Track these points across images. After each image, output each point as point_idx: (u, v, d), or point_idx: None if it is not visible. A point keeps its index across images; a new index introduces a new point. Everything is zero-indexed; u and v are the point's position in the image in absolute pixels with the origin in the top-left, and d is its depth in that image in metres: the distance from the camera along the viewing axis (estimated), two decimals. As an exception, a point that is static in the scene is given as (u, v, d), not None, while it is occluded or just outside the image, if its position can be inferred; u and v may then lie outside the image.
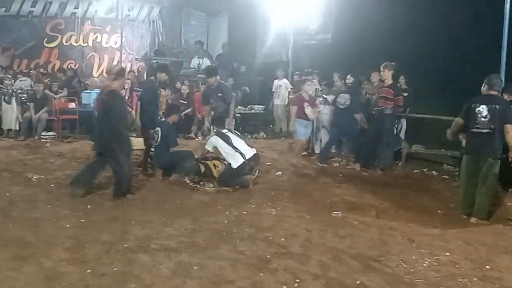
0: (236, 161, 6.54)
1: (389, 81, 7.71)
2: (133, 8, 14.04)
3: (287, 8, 11.84)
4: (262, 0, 12.19)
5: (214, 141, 6.85)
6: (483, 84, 5.66)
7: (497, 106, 5.46)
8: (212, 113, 8.20)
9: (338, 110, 8.32)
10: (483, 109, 5.48)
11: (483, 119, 5.47)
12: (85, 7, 13.39)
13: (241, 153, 6.60)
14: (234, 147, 6.66)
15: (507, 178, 6.24)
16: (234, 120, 8.42)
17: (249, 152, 6.78)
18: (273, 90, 11.58)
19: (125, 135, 5.96)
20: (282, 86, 11.28)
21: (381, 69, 7.74)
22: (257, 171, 7.02)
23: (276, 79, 11.57)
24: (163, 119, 7.44)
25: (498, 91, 5.67)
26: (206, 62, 13.19)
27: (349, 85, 8.64)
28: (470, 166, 5.63)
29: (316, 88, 9.25)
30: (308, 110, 8.37)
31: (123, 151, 5.84)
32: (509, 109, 5.56)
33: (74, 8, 13.30)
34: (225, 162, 6.78)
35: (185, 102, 11.05)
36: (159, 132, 7.00)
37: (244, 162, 6.56)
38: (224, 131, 7.00)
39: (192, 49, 14.22)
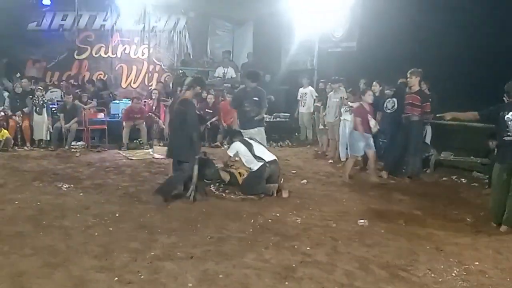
0: (256, 165, 6.60)
1: (416, 87, 7.62)
2: (160, 19, 14.26)
3: (312, 16, 11.87)
4: (286, 9, 12.25)
5: (237, 147, 6.90)
6: (506, 93, 5.53)
7: None
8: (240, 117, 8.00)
9: (386, 115, 8.29)
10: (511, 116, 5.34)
11: None
12: (114, 19, 13.66)
13: (261, 158, 6.66)
14: (254, 155, 6.69)
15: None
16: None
17: (269, 157, 6.80)
18: (298, 98, 11.55)
19: (197, 142, 6.27)
20: (307, 94, 11.24)
21: (408, 75, 7.65)
22: (281, 180, 6.99)
23: (301, 87, 11.52)
24: None
25: None
26: (231, 72, 13.33)
27: (394, 89, 8.58)
28: (502, 175, 5.46)
29: (341, 97, 9.19)
30: (372, 122, 7.73)
31: (191, 158, 6.13)
32: None
33: (103, 21, 13.60)
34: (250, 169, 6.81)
35: (211, 111, 11.16)
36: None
37: (263, 164, 6.60)
38: (247, 138, 7.04)
39: (218, 58, 14.36)
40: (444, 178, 8.14)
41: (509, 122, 5.33)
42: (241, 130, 7.59)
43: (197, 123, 6.41)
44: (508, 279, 4.07)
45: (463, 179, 7.99)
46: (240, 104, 7.77)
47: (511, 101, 5.46)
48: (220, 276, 3.95)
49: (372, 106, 7.96)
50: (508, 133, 5.35)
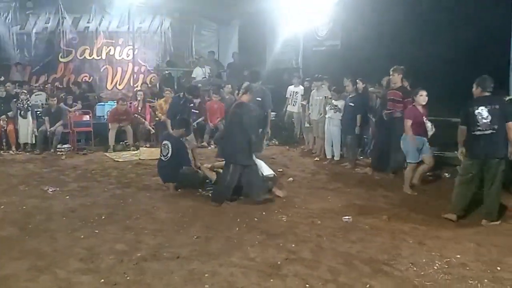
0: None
1: (398, 84, 7.71)
2: (145, 20, 14.25)
3: (296, 15, 11.93)
4: (271, 8, 12.30)
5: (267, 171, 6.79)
6: (475, 86, 5.63)
7: (497, 106, 5.44)
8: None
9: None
10: (482, 111, 5.43)
11: (484, 121, 5.42)
12: (98, 20, 13.62)
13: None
14: None
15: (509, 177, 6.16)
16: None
17: (268, 171, 6.73)
18: (287, 96, 11.35)
19: (254, 144, 6.41)
20: (298, 92, 10.96)
21: (391, 72, 7.74)
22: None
23: (290, 85, 11.29)
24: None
25: (491, 92, 5.59)
26: (207, 70, 13.27)
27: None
28: (473, 170, 5.55)
29: (325, 96, 9.25)
30: (428, 124, 7.25)
31: (248, 161, 6.33)
32: (508, 107, 5.61)
33: (87, 22, 13.56)
34: None
35: (197, 111, 11.15)
36: (169, 146, 6.92)
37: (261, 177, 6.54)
38: None
39: (204, 58, 14.36)
40: (428, 173, 8.22)
41: (479, 117, 5.43)
42: None
43: (255, 126, 6.60)
44: (489, 271, 4.16)
45: (446, 174, 8.09)
46: None
47: (480, 96, 5.57)
48: (206, 275, 4.00)
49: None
50: (478, 127, 5.44)
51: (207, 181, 6.98)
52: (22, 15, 12.93)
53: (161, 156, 7.16)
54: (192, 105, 8.50)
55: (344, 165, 8.86)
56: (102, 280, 3.86)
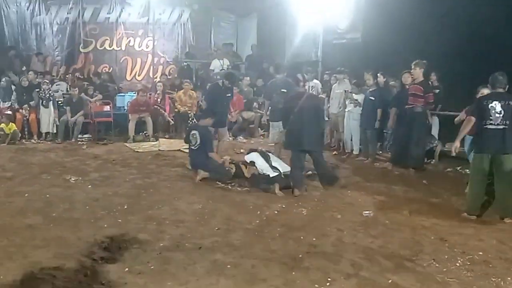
0: (271, 173, 6.56)
1: (419, 78, 7.65)
2: (164, 11, 14.23)
3: (316, 7, 11.83)
4: (290, 0, 12.23)
5: (254, 157, 6.89)
6: (489, 85, 5.66)
7: (510, 102, 5.42)
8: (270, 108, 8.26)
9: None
10: (496, 105, 5.40)
11: (497, 115, 5.39)
12: (118, 12, 13.68)
13: (276, 169, 6.63)
14: (271, 165, 6.66)
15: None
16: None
17: (285, 168, 6.73)
18: None
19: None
20: (314, 87, 10.85)
21: (412, 66, 7.69)
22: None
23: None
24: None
25: (504, 88, 5.55)
26: (226, 63, 13.28)
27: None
28: (483, 165, 5.49)
29: (345, 90, 9.19)
30: None
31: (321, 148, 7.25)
32: None
33: (107, 13, 13.61)
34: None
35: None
36: (197, 135, 7.17)
37: (279, 174, 6.56)
38: (265, 150, 7.19)
39: (222, 51, 14.36)
40: (448, 169, 8.17)
41: (492, 111, 5.41)
42: (271, 122, 7.97)
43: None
44: (512, 269, 4.14)
45: (467, 170, 7.98)
46: (270, 95, 8.03)
47: (494, 92, 5.56)
48: (229, 266, 4.03)
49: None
50: (491, 121, 5.42)
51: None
52: (44, 5, 13.04)
53: (190, 146, 7.35)
54: (229, 95, 8.52)
55: (363, 159, 8.83)
56: (127, 269, 3.90)
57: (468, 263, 4.26)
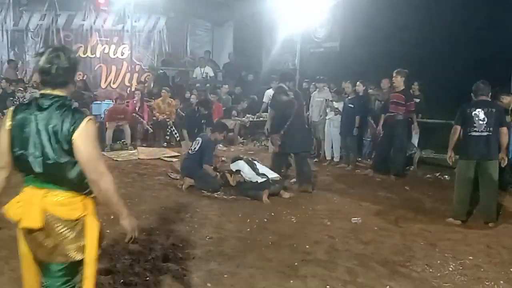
0: (259, 180, 6.53)
1: (401, 87, 7.78)
2: (140, 19, 14.14)
3: (293, 16, 11.93)
4: (267, 9, 12.29)
5: (241, 165, 6.82)
6: (472, 93, 5.76)
7: (493, 110, 5.58)
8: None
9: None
10: (479, 113, 5.55)
11: (481, 122, 5.54)
12: (93, 19, 13.50)
13: (264, 175, 6.61)
14: (258, 173, 6.63)
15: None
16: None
17: (274, 175, 6.72)
18: (264, 100, 10.99)
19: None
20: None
21: (394, 75, 7.81)
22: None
23: (268, 89, 10.63)
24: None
25: (487, 96, 5.70)
26: (208, 71, 13.27)
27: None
28: (468, 171, 5.61)
29: (326, 99, 9.27)
30: None
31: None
32: (503, 112, 5.80)
33: (82, 20, 13.42)
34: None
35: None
36: (200, 142, 7.04)
37: (267, 180, 6.54)
38: (251, 159, 7.14)
39: (198, 58, 14.31)
40: (428, 176, 8.33)
41: (475, 118, 5.55)
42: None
43: None
44: (503, 273, 4.23)
45: (446, 176, 8.19)
46: (275, 105, 7.73)
47: (477, 100, 5.68)
48: (225, 276, 3.99)
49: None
50: (475, 129, 5.55)
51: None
52: (16, 12, 12.77)
53: (189, 150, 7.28)
54: (204, 121, 8.61)
55: (343, 166, 8.92)
56: (122, 281, 3.82)
57: (460, 267, 4.34)
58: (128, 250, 4.50)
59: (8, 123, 2.41)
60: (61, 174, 2.39)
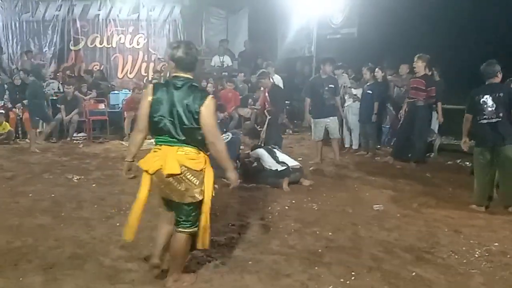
0: (279, 168, 6.52)
1: (421, 72, 7.67)
2: (155, 8, 14.13)
3: (309, 2, 11.82)
4: (282, -5, 12.21)
5: (260, 153, 6.79)
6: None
7: (501, 94, 5.43)
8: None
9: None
10: (487, 99, 5.42)
11: (489, 109, 5.41)
12: (108, 8, 13.53)
13: (284, 163, 6.59)
14: (278, 161, 6.61)
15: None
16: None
17: (294, 163, 6.71)
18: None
19: None
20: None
21: (415, 60, 7.69)
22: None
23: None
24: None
25: (496, 77, 5.51)
26: (227, 60, 13.25)
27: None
28: (484, 158, 5.53)
29: (344, 86, 9.19)
30: None
31: None
32: None
33: (98, 10, 13.45)
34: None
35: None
36: (229, 137, 6.95)
37: (287, 168, 6.51)
38: (271, 147, 7.07)
39: (213, 47, 14.27)
40: (449, 162, 8.25)
41: (484, 105, 5.43)
42: (315, 120, 7.82)
43: None
44: (529, 259, 4.18)
45: (467, 163, 8.08)
46: (316, 92, 7.82)
47: (484, 85, 5.55)
48: (250, 262, 3.99)
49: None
50: (484, 116, 5.45)
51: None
52: (32, 2, 12.85)
53: None
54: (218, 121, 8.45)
55: (362, 153, 8.87)
56: (148, 268, 3.84)
57: (486, 254, 4.28)
58: (152, 237, 4.53)
59: (149, 97, 3.29)
60: (190, 136, 3.24)
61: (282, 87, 9.92)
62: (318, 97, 7.79)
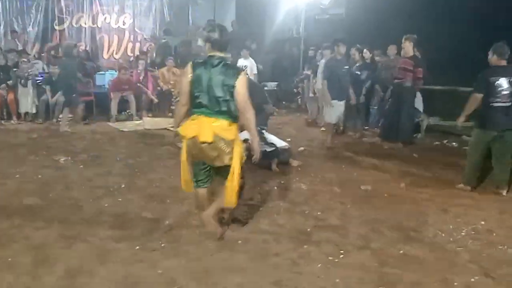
0: (268, 148, 6.51)
1: (410, 52, 7.66)
2: (141, -13, 13.88)
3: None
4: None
5: (247, 135, 6.72)
6: (491, 53, 5.43)
7: None
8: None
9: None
10: (502, 82, 5.26)
11: (504, 92, 5.26)
12: (93, -13, 13.25)
13: (273, 144, 6.57)
14: (266, 142, 6.56)
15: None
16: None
17: (282, 144, 6.68)
18: None
19: None
20: (248, 66, 10.30)
21: (403, 41, 7.68)
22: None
23: (240, 58, 10.57)
24: None
25: (507, 60, 5.40)
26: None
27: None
28: (485, 141, 5.45)
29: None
30: None
31: None
32: None
33: (82, -12, 13.16)
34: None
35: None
36: None
37: (276, 148, 6.49)
38: (259, 128, 6.98)
39: (202, 28, 14.06)
40: (436, 143, 8.32)
41: (499, 88, 5.27)
42: (334, 101, 7.58)
43: None
44: (515, 237, 4.26)
45: (454, 143, 8.18)
46: (334, 74, 7.58)
47: (499, 66, 5.38)
48: (239, 242, 4.02)
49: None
50: (498, 99, 5.29)
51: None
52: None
53: None
54: None
55: (350, 134, 8.90)
56: (138, 247, 3.85)
57: (473, 232, 4.36)
58: (141, 217, 4.54)
59: (189, 75, 3.74)
60: (224, 108, 3.70)
61: (256, 72, 9.72)
62: (337, 79, 7.58)
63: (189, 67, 3.77)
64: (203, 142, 3.69)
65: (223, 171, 3.86)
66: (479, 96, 5.39)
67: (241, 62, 10.36)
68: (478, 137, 5.59)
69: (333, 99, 7.63)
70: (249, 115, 3.77)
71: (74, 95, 9.29)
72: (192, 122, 3.78)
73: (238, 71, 3.78)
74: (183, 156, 3.90)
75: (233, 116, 3.75)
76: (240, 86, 3.68)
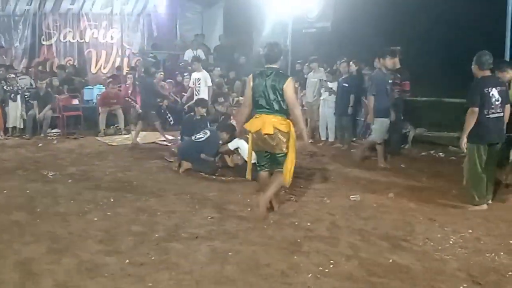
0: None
1: (396, 65, 7.74)
2: (128, 2, 13.92)
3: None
4: (258, -10, 12.18)
5: (240, 143, 6.62)
6: (474, 64, 5.31)
7: (503, 88, 5.31)
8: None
9: None
10: (494, 92, 5.20)
11: (497, 103, 5.22)
12: (81, 2, 13.29)
13: None
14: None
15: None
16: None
17: None
18: (190, 85, 9.89)
19: None
20: (201, 79, 9.59)
21: (389, 55, 7.74)
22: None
23: (193, 72, 9.90)
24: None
25: (491, 69, 5.32)
26: (200, 54, 13.13)
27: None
28: (483, 154, 5.27)
29: (320, 79, 9.27)
30: None
31: None
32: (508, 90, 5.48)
33: (70, 4, 13.19)
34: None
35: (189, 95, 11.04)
36: (208, 135, 6.99)
37: None
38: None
39: (189, 41, 14.14)
40: (422, 153, 8.41)
41: (493, 99, 5.19)
42: (382, 119, 7.20)
43: None
44: (502, 244, 4.30)
45: (441, 154, 8.28)
46: (381, 89, 7.21)
47: (489, 76, 5.29)
48: (230, 253, 4.01)
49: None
50: (492, 109, 5.19)
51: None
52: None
53: (193, 136, 7.20)
54: (203, 126, 7.81)
55: (339, 146, 8.97)
56: (127, 261, 3.83)
57: (461, 240, 4.40)
58: (130, 231, 4.52)
59: (251, 83, 4.84)
60: (279, 107, 4.73)
61: (210, 84, 9.52)
62: (384, 94, 7.18)
63: (250, 78, 4.87)
64: (266, 134, 4.69)
65: (280, 157, 4.83)
66: (476, 109, 5.16)
67: (194, 76, 9.74)
68: (478, 153, 5.28)
69: (380, 116, 7.19)
70: (297, 112, 4.83)
71: (153, 112, 9.22)
72: (256, 119, 4.81)
73: (286, 77, 4.77)
74: (250, 147, 5.06)
75: (286, 113, 4.77)
76: (288, 88, 4.69)
